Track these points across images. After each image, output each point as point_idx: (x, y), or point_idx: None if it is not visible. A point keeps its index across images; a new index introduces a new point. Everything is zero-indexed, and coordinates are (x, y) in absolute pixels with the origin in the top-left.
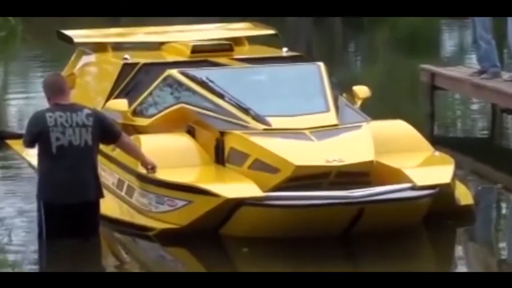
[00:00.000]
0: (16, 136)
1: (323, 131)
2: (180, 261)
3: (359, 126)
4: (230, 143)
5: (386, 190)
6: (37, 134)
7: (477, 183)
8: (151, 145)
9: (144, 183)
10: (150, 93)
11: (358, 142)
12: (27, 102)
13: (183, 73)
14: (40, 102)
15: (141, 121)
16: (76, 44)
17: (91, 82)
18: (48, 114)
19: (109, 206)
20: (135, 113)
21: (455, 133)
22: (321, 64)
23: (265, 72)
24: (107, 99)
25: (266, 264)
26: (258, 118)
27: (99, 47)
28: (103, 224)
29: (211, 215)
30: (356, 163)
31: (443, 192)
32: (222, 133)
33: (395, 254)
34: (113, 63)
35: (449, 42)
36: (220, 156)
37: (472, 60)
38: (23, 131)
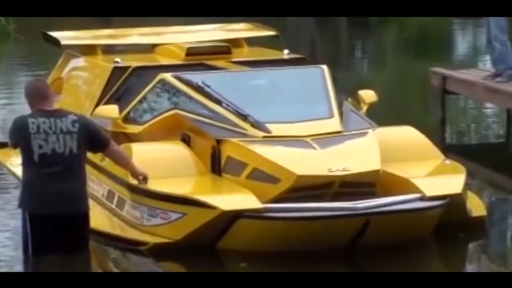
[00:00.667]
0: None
1: (326, 139)
2: None
3: (365, 133)
4: (227, 151)
5: (393, 201)
6: (18, 140)
7: (490, 193)
8: (143, 154)
9: (135, 195)
10: (142, 99)
11: (363, 150)
12: (8, 108)
13: (177, 77)
14: (24, 107)
15: (132, 129)
16: (63, 46)
17: (80, 87)
18: (30, 120)
19: (98, 219)
20: (126, 120)
21: (467, 140)
22: (324, 67)
23: (265, 75)
24: (96, 105)
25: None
26: (257, 125)
27: (88, 50)
28: (92, 239)
29: (207, 228)
30: (361, 173)
31: (454, 203)
32: (219, 141)
33: (402, 269)
34: (102, 66)
35: (461, 43)
36: (216, 165)
37: (486, 63)
38: (6, 139)
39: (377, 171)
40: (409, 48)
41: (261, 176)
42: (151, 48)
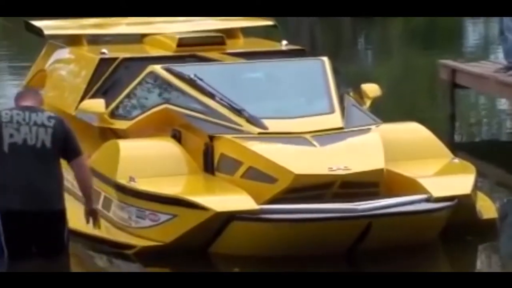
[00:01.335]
0: None
1: (326, 136)
2: None
3: (368, 130)
4: (220, 148)
5: (398, 202)
6: None
7: (501, 195)
8: (131, 151)
9: (123, 195)
10: (131, 92)
11: (366, 148)
12: None
13: (168, 70)
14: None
15: (120, 124)
16: (46, 36)
17: (64, 79)
18: (4, 111)
19: (82, 220)
20: (113, 115)
21: (478, 138)
22: (325, 59)
23: (261, 68)
24: (82, 99)
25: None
26: (252, 121)
27: (72, 40)
28: (75, 241)
29: (199, 231)
30: (364, 172)
31: (462, 205)
32: (212, 138)
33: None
34: (88, 58)
35: (472, 34)
36: (209, 163)
37: (498, 55)
38: None
39: (380, 170)
40: (416, 39)
41: (257, 175)
42: (140, 38)
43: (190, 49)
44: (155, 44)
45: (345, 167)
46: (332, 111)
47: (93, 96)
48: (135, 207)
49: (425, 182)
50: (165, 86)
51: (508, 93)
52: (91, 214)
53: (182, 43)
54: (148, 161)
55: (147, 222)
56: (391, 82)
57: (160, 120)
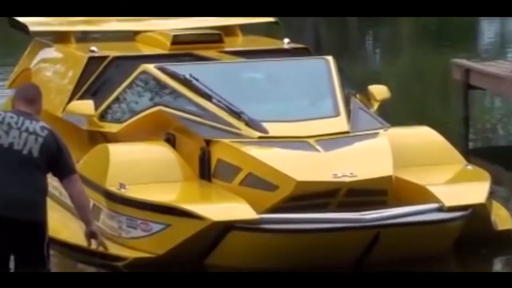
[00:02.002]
0: None
1: (331, 140)
2: None
3: (375, 134)
4: (217, 154)
5: (407, 211)
6: None
7: None
8: (122, 156)
9: (113, 203)
10: (122, 93)
11: (373, 154)
12: None
13: (161, 69)
14: None
15: (110, 127)
16: (32, 33)
17: (50, 79)
18: None
19: (69, 230)
20: (103, 117)
21: (493, 142)
22: (330, 59)
23: (261, 68)
24: (69, 100)
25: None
26: (252, 124)
27: (60, 37)
28: (62, 253)
29: (194, 241)
30: (371, 179)
31: (476, 215)
32: (208, 142)
33: None
34: (76, 56)
35: (487, 32)
36: (205, 170)
37: None
38: None
39: (388, 178)
40: (428, 37)
41: (257, 182)
42: (132, 35)
43: (186, 47)
44: (148, 42)
45: (351, 173)
46: (337, 114)
47: (81, 97)
48: (126, 216)
49: (436, 191)
50: (159, 87)
51: None
52: (92, 235)
53: (177, 40)
54: (140, 166)
55: (139, 232)
56: (401, 83)
57: (153, 123)
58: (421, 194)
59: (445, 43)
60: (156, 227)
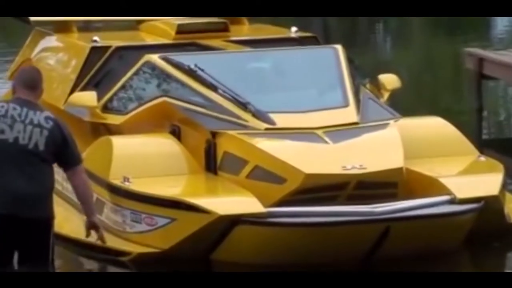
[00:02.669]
0: None
1: (340, 131)
2: None
3: (386, 125)
4: (224, 146)
5: (418, 204)
6: None
7: None
8: (126, 149)
9: (116, 197)
10: (125, 84)
11: (383, 145)
12: None
13: (166, 59)
14: None
15: (113, 119)
16: (33, 23)
17: (52, 70)
18: (0, 104)
19: (73, 225)
20: (106, 108)
21: (507, 133)
22: (339, 48)
23: (268, 57)
24: (71, 92)
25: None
26: (259, 115)
27: (61, 27)
28: (65, 248)
29: (200, 236)
30: (381, 171)
31: (489, 207)
32: (214, 134)
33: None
34: (79, 46)
35: (501, 19)
36: (211, 162)
37: None
38: None
39: (399, 170)
40: (440, 25)
41: (264, 175)
42: (135, 25)
43: (190, 36)
44: (152, 31)
45: (361, 166)
46: (346, 105)
47: (84, 88)
48: (130, 210)
49: (448, 182)
50: (163, 77)
51: None
52: (93, 227)
53: (182, 30)
54: (144, 159)
55: (143, 227)
56: (412, 72)
57: (158, 114)
58: (433, 186)
59: (457, 31)
60: (161, 221)
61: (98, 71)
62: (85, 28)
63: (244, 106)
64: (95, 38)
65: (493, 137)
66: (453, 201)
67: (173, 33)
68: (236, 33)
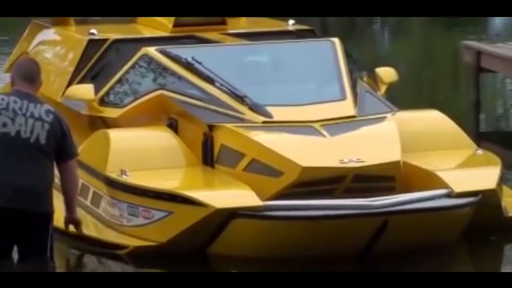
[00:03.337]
0: None
1: (337, 125)
2: None
3: (383, 118)
4: (221, 139)
5: (416, 197)
6: None
7: None
8: (123, 142)
9: (113, 190)
10: (122, 77)
11: (381, 138)
12: None
13: (163, 52)
14: None
15: (110, 112)
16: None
17: (49, 63)
18: (1, 97)
19: None
20: (103, 102)
21: (505, 127)
22: (336, 41)
23: (265, 50)
24: (69, 84)
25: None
26: (256, 109)
27: (58, 20)
28: (61, 241)
29: (197, 229)
30: (379, 165)
31: (486, 201)
32: (211, 127)
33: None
34: (76, 39)
35: None
36: (208, 155)
37: None
38: None
39: (396, 163)
40: (437, 19)
41: (261, 168)
42: (132, 18)
43: (188, 29)
44: (149, 24)
45: (358, 159)
46: (343, 98)
47: (81, 81)
48: (127, 203)
49: (445, 176)
50: (160, 70)
51: None
52: (73, 222)
53: (179, 22)
54: (141, 152)
55: (140, 220)
56: (409, 65)
57: (155, 107)
58: (430, 180)
59: (455, 24)
60: (158, 215)
61: (95, 64)
62: (83, 21)
63: (241, 99)
64: (93, 31)
65: (491, 130)
66: (450, 195)
67: (170, 26)
68: (233, 26)
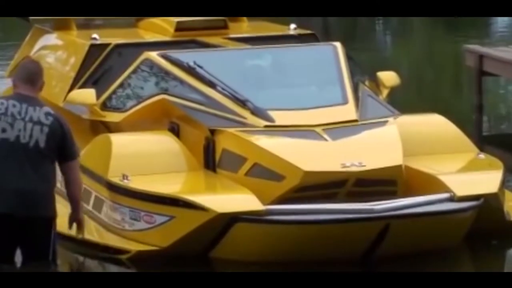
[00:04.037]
0: None
1: (339, 129)
2: None
3: (385, 122)
4: (222, 143)
5: (418, 202)
6: None
7: None
8: (125, 146)
9: (115, 194)
10: (124, 82)
11: (383, 143)
12: None
13: (164, 57)
14: None
15: (112, 117)
16: (32, 20)
17: (51, 67)
18: (0, 101)
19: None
20: (105, 106)
21: (507, 130)
22: (338, 45)
23: (267, 54)
24: (70, 89)
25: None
26: (258, 113)
27: (61, 24)
28: (63, 246)
29: (199, 234)
30: (380, 169)
31: (488, 205)
32: (213, 131)
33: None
34: (78, 44)
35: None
36: (210, 160)
37: None
38: None
39: (398, 167)
40: (439, 22)
41: (263, 172)
42: (134, 22)
43: (190, 33)
44: (150, 29)
45: (360, 163)
46: (345, 102)
47: (83, 86)
48: (129, 208)
49: (447, 180)
50: (162, 74)
51: None
52: (76, 221)
53: (181, 27)
54: (143, 157)
55: (142, 224)
56: (411, 69)
57: (157, 112)
58: (432, 184)
59: (457, 28)
60: (160, 219)
61: (97, 68)
62: (85, 25)
63: (243, 103)
64: (94, 35)
65: (493, 134)
66: (452, 199)
67: (172, 30)
68: (235, 30)
